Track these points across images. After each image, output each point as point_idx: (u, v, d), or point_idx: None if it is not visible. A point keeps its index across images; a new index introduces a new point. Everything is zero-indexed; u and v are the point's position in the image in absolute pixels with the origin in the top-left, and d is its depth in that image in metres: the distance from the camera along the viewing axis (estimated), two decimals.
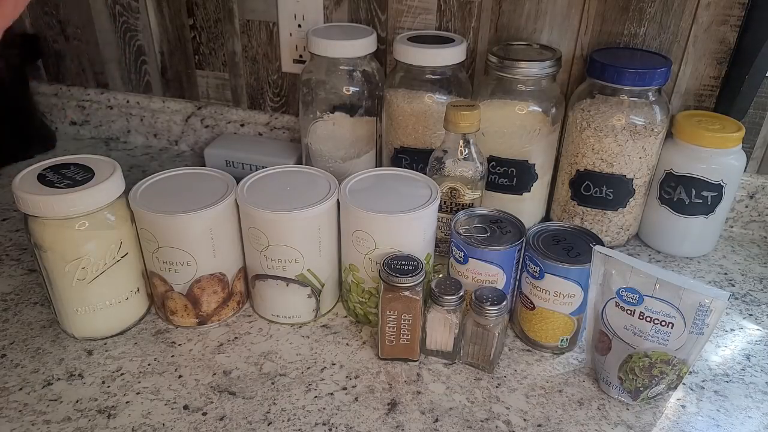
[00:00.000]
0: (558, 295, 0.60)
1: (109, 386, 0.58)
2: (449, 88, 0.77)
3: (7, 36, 0.54)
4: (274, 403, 0.57)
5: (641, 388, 0.57)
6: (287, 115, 0.98)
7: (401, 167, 0.71)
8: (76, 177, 0.58)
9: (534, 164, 0.76)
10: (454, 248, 0.63)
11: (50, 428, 0.54)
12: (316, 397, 0.58)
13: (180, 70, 1.00)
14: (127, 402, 0.57)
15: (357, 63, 0.79)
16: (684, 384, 0.60)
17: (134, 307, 0.65)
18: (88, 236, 0.58)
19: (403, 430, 0.55)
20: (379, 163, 0.86)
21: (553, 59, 0.72)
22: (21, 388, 0.58)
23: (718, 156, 0.73)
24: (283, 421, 0.55)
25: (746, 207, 0.83)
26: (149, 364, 0.61)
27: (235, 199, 0.62)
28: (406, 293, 0.57)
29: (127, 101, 1.04)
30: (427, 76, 0.76)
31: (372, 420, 0.56)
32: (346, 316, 0.68)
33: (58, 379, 0.59)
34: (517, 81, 0.73)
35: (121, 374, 0.60)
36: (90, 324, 0.63)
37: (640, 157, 0.73)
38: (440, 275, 0.68)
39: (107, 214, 0.59)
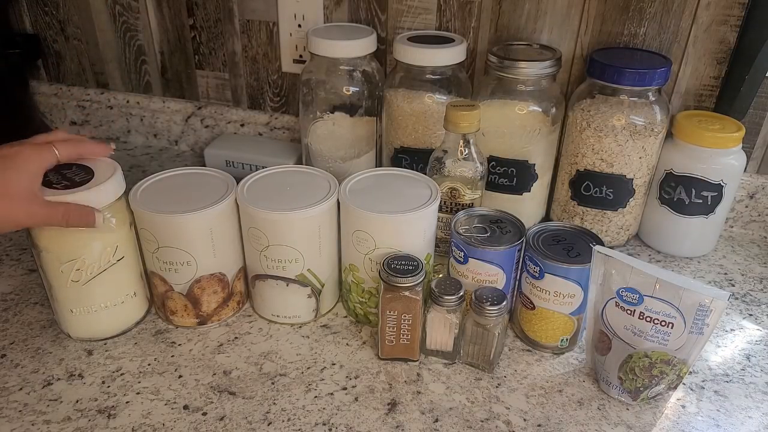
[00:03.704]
0: (558, 295, 0.60)
1: (109, 386, 0.58)
2: (449, 88, 0.77)
3: (7, 36, 0.54)
4: (274, 403, 0.57)
5: (641, 388, 0.57)
6: (287, 115, 0.98)
7: (401, 167, 0.71)
8: (75, 178, 0.58)
9: (534, 164, 0.76)
10: (454, 248, 0.63)
11: (50, 428, 0.54)
12: (316, 397, 0.58)
13: (180, 70, 1.00)
14: (127, 402, 0.57)
15: (357, 63, 0.79)
16: (684, 384, 0.60)
17: (131, 310, 0.65)
18: (84, 238, 0.58)
19: (403, 430, 0.55)
20: (379, 163, 0.86)
21: (553, 59, 0.72)
22: (21, 388, 0.58)
23: (718, 156, 0.73)
24: (283, 421, 0.55)
25: (746, 207, 0.83)
26: (149, 364, 0.61)
27: (235, 199, 0.62)
28: (406, 293, 0.57)
29: (127, 101, 1.04)
30: (427, 76, 0.76)
31: (372, 420, 0.56)
32: (346, 316, 0.68)
33: (58, 379, 0.59)
34: (517, 81, 0.73)
35: (121, 374, 0.60)
36: (85, 325, 0.63)
37: (640, 157, 0.73)
38: (440, 275, 0.68)
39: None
